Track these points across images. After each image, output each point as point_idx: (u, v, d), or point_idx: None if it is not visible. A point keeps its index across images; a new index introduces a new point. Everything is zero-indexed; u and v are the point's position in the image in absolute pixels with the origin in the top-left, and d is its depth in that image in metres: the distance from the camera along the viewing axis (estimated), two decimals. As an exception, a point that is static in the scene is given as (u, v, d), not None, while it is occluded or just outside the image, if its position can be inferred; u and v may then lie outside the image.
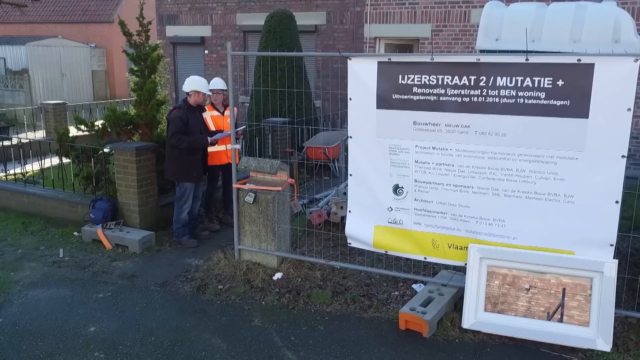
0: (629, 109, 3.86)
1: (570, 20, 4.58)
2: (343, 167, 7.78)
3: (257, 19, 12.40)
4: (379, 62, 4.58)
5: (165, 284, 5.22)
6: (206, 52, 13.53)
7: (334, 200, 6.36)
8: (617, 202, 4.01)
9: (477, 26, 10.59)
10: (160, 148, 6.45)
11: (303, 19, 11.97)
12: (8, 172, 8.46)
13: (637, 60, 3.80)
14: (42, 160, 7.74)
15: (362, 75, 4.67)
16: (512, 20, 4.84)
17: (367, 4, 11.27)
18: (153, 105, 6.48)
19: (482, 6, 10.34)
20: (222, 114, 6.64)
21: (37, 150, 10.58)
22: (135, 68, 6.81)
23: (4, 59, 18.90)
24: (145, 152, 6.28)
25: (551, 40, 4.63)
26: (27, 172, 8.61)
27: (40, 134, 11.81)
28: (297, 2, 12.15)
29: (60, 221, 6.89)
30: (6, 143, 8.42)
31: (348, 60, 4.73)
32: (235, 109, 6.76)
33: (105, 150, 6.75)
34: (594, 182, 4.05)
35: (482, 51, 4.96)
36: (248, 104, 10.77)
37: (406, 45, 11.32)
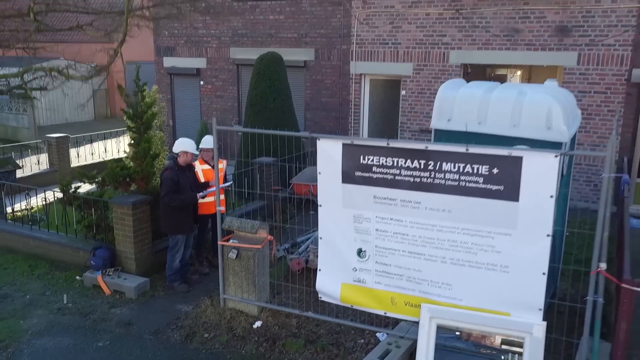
0: (551, 196, 4.50)
1: (511, 107, 5.23)
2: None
3: (250, 54, 13.07)
4: (343, 144, 5.23)
5: (158, 332, 5.87)
6: (202, 82, 14.18)
7: (312, 250, 7.01)
8: (543, 273, 4.65)
9: (455, 66, 11.28)
10: (155, 197, 7.11)
11: (293, 54, 12.65)
12: (14, 207, 9.11)
13: (557, 156, 4.44)
14: (46, 199, 8.31)
15: (330, 153, 5.31)
16: (462, 102, 5.49)
17: (353, 43, 11.92)
18: (148, 162, 7.13)
19: (460, 48, 11.07)
20: (212, 167, 7.29)
21: (40, 180, 11.32)
22: (132, 125, 7.46)
23: (8, 81, 19.53)
24: (141, 206, 6.94)
25: (495, 123, 5.28)
26: (32, 208, 9.28)
27: (44, 165, 12.50)
28: (287, 39, 12.79)
29: (64, 264, 7.55)
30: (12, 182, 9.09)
31: (317, 140, 5.38)
32: (225, 161, 7.44)
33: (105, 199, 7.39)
34: (524, 256, 4.69)
35: (436, 130, 5.62)
36: (241, 139, 11.41)
37: (391, 81, 11.97)
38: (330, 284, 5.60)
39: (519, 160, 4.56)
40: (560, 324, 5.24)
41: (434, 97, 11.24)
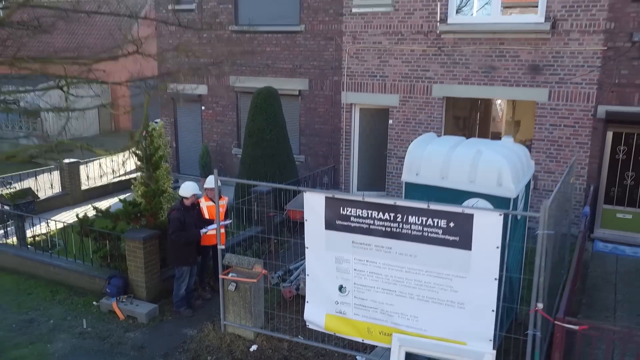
0: (497, 247, 5.40)
1: (469, 165, 6.12)
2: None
3: (248, 82, 13.98)
4: (326, 197, 6.13)
5: (167, 355, 6.78)
6: (203, 108, 15.08)
7: (302, 279, 7.90)
8: (493, 310, 5.55)
9: (438, 99, 12.18)
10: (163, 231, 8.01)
11: (288, 84, 13.55)
12: (34, 230, 9.98)
13: (501, 214, 5.34)
14: (64, 230, 9.19)
15: (314, 204, 6.20)
16: (428, 159, 6.38)
17: (344, 75, 12.83)
18: (157, 201, 8.03)
19: (442, 82, 11.98)
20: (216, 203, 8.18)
21: (54, 203, 12.23)
22: (142, 165, 8.35)
23: (17, 100, 20.48)
24: (151, 240, 7.84)
25: (455, 179, 6.18)
26: (50, 231, 10.15)
27: (56, 189, 13.41)
28: (283, 69, 13.69)
29: (82, 290, 8.45)
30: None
31: (304, 193, 6.27)
32: (227, 198, 8.32)
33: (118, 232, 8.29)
34: (477, 295, 5.59)
35: (406, 183, 6.52)
36: (239, 165, 12.30)
37: (379, 110, 12.86)
38: (316, 314, 6.51)
39: (470, 217, 5.45)
40: (517, 350, 6.09)
41: (419, 127, 12.26)
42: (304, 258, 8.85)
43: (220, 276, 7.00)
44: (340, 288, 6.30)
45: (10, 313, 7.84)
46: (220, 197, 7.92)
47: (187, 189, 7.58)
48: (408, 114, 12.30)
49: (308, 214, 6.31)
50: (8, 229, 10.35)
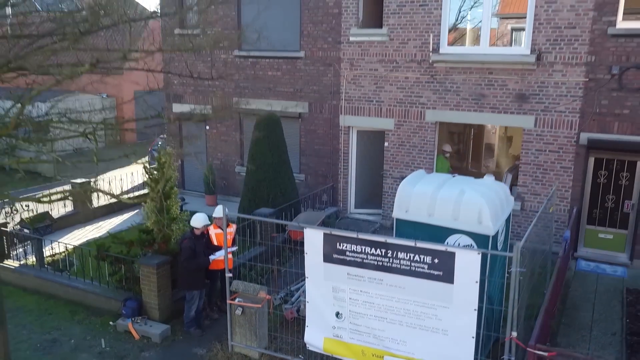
0: (476, 282, 6.08)
1: (452, 205, 6.81)
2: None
3: (251, 104, 14.61)
4: (324, 234, 6.81)
5: (180, 374, 7.47)
6: (207, 127, 15.77)
7: (302, 301, 8.58)
8: (472, 337, 6.23)
9: (431, 123, 12.82)
10: (174, 256, 8.69)
11: (289, 107, 14.24)
12: (52, 247, 10.63)
13: (479, 253, 6.02)
14: (82, 254, 9.86)
15: (314, 240, 6.88)
16: (416, 197, 7.06)
17: (342, 99, 13.52)
18: (168, 229, 8.72)
19: (435, 108, 12.64)
20: (222, 230, 8.87)
21: (67, 222, 12.90)
22: (154, 194, 9.03)
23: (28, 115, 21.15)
24: (163, 265, 8.53)
25: (440, 217, 6.86)
26: (67, 249, 10.80)
27: (69, 207, 14.10)
28: (284, 93, 14.37)
29: (98, 310, 9.13)
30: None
31: (305, 228, 6.95)
32: (234, 225, 8.97)
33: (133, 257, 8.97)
34: (458, 324, 6.27)
35: (397, 219, 7.20)
36: (243, 187, 12.98)
37: (376, 133, 13.54)
38: (316, 337, 7.20)
39: (452, 254, 6.14)
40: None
41: (413, 149, 12.93)
42: (304, 279, 9.56)
43: (228, 301, 7.68)
44: (337, 314, 6.99)
45: (34, 333, 8.53)
46: (228, 225, 8.60)
47: (199, 220, 8.27)
48: (403, 137, 12.97)
49: (308, 248, 6.99)
50: (27, 247, 11.03)
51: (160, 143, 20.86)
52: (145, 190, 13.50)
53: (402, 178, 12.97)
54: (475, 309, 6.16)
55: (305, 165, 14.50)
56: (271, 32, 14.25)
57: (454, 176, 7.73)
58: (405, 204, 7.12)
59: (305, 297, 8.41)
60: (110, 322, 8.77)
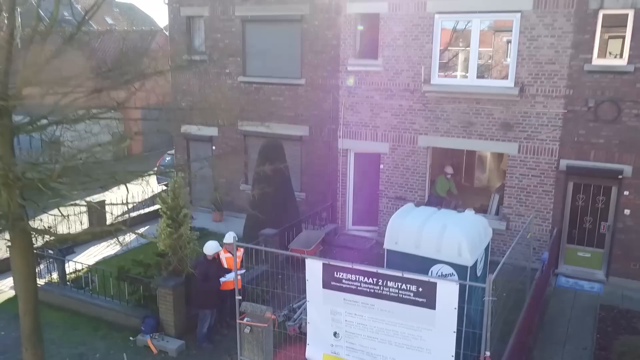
0: (455, 308, 7.01)
1: (436, 238, 7.74)
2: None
3: (254, 126, 15.49)
4: (323, 264, 7.75)
5: (196, 386, 8.41)
6: (213, 147, 16.71)
7: (304, 319, 9.52)
8: (452, 355, 7.17)
9: (423, 148, 13.68)
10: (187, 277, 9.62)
11: (291, 130, 15.19)
12: (75, 264, 11.53)
13: (457, 284, 6.96)
14: (102, 276, 10.80)
15: (314, 268, 7.82)
16: (405, 230, 8.00)
17: (340, 124, 14.46)
18: (183, 252, 9.66)
19: (426, 134, 13.54)
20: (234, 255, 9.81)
21: (84, 238, 13.78)
22: (169, 221, 9.96)
23: (40, 134, 22.10)
24: (178, 287, 9.47)
25: (426, 248, 7.80)
26: (89, 266, 11.70)
27: (85, 225, 15.04)
28: (286, 117, 15.32)
29: (119, 326, 10.06)
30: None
31: (306, 259, 7.90)
32: (242, 249, 9.88)
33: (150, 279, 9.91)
34: (440, 344, 7.20)
35: (387, 250, 8.14)
36: (249, 207, 13.92)
37: (372, 155, 14.46)
38: (316, 354, 8.14)
39: (434, 284, 7.07)
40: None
41: (407, 172, 13.82)
42: (305, 296, 10.49)
43: (238, 321, 8.61)
44: (335, 334, 7.93)
45: (62, 347, 9.47)
46: (237, 249, 9.53)
47: (211, 248, 9.23)
48: (397, 160, 13.91)
49: (309, 275, 7.92)
50: (48, 264, 11.96)
51: (167, 159, 21.84)
52: (156, 207, 14.47)
53: (397, 198, 14.06)
54: (454, 332, 7.09)
55: (306, 185, 15.44)
56: (274, 60, 15.21)
57: (439, 209, 8.66)
58: (395, 236, 8.05)
59: (306, 316, 9.36)
60: (131, 338, 9.71)
